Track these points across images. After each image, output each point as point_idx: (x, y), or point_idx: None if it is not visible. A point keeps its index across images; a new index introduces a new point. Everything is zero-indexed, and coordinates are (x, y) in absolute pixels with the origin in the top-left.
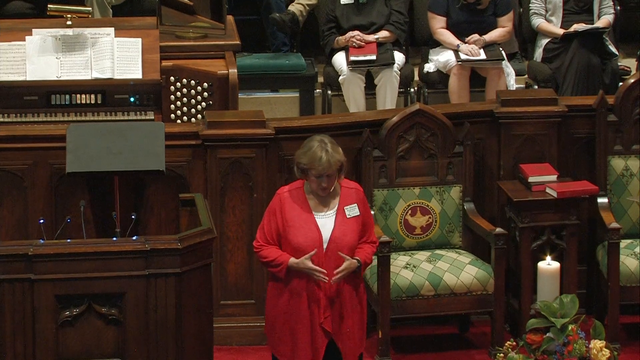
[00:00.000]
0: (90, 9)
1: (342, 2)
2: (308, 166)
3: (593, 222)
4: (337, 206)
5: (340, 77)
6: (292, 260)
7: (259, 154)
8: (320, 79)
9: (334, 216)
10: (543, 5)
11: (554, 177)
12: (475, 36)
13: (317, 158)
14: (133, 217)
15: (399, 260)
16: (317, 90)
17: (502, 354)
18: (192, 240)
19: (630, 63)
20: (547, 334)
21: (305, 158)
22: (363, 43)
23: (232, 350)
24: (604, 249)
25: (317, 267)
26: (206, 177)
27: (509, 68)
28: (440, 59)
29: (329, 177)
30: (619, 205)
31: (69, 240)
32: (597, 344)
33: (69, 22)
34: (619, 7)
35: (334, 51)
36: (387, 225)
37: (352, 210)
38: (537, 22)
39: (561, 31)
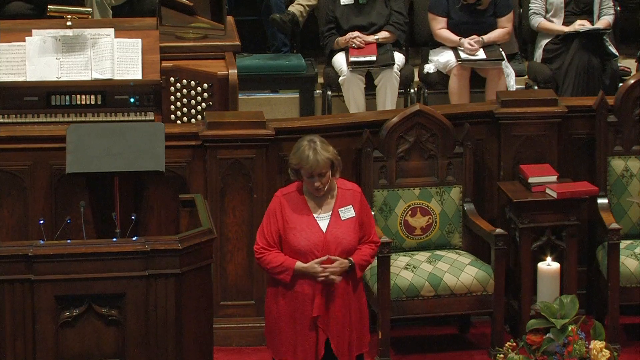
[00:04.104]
0: (90, 9)
1: (342, 3)
2: (298, 166)
3: (593, 223)
4: (332, 208)
5: (340, 78)
6: (299, 264)
7: (259, 154)
8: (320, 80)
9: (329, 218)
10: (543, 5)
11: (554, 178)
12: (475, 37)
13: (305, 157)
14: (133, 217)
15: (399, 261)
16: (317, 91)
17: (502, 355)
18: (192, 241)
19: (630, 64)
20: (547, 335)
21: (295, 158)
22: (363, 44)
23: (232, 351)
24: (604, 249)
25: (322, 268)
26: (206, 178)
27: (509, 69)
28: (440, 60)
29: (320, 176)
30: (619, 205)
31: (69, 241)
32: (597, 344)
33: (69, 23)
34: (619, 8)
35: (334, 52)
36: (387, 226)
37: (347, 212)
38: (537, 21)
39: (563, 28)
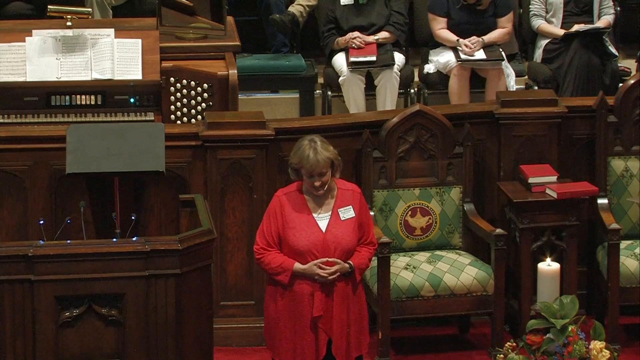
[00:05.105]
0: (90, 9)
1: (342, 3)
2: (298, 165)
3: (593, 223)
4: (332, 208)
5: (340, 78)
6: (297, 265)
7: (259, 154)
8: (321, 80)
9: (329, 218)
10: (543, 7)
11: (554, 178)
12: (475, 38)
13: (306, 156)
14: (133, 218)
15: (399, 261)
16: (317, 91)
17: (502, 355)
18: (192, 241)
19: (630, 64)
20: (547, 335)
21: (295, 158)
22: (363, 44)
23: (232, 351)
24: (604, 250)
25: (323, 271)
26: (206, 178)
27: (509, 69)
28: (440, 60)
29: (320, 176)
30: (619, 206)
31: (69, 241)
32: (597, 344)
33: (69, 23)
34: (619, 8)
35: (334, 52)
36: (387, 226)
37: (347, 213)
38: (537, 23)
39: (561, 31)
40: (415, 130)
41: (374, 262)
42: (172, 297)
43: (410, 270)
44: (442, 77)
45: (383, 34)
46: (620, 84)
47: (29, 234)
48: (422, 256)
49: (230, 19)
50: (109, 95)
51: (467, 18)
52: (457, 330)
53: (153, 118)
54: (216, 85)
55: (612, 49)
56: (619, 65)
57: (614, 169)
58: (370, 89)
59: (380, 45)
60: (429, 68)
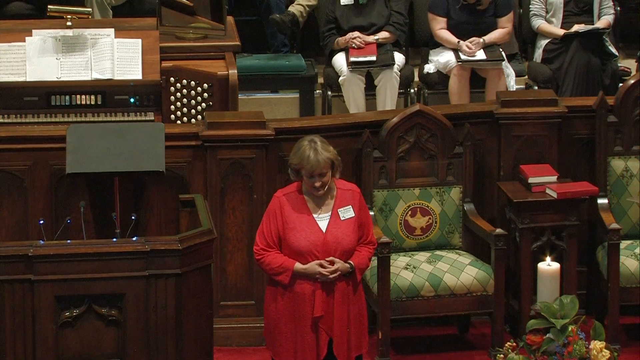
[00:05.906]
0: (90, 9)
1: (342, 3)
2: (298, 166)
3: (593, 223)
4: (332, 209)
5: (340, 78)
6: (298, 265)
7: (259, 154)
8: (320, 80)
9: (329, 219)
10: (543, 7)
11: (554, 178)
12: (475, 39)
13: (306, 157)
14: (133, 217)
15: (399, 261)
16: (317, 91)
17: (502, 355)
18: (192, 241)
19: (630, 64)
20: (547, 335)
21: (295, 158)
22: (363, 44)
23: (232, 351)
24: (604, 249)
25: (324, 269)
26: (206, 178)
27: (509, 69)
28: (440, 60)
29: (321, 176)
30: (619, 206)
31: (69, 241)
32: (597, 344)
33: (69, 23)
34: (619, 8)
35: (334, 52)
36: (387, 226)
37: (346, 212)
38: (537, 23)
39: (562, 31)
40: (415, 130)
41: (374, 262)
42: (172, 297)
43: (410, 270)
44: (442, 77)
45: (383, 34)
46: (620, 84)
47: (29, 234)
48: (422, 256)
49: (230, 19)
50: (109, 95)
51: (467, 18)
52: (457, 330)
53: (153, 118)
54: (216, 85)
55: (612, 49)
56: (619, 65)
57: (614, 169)
58: (370, 89)
59: (380, 45)
60: (429, 68)
